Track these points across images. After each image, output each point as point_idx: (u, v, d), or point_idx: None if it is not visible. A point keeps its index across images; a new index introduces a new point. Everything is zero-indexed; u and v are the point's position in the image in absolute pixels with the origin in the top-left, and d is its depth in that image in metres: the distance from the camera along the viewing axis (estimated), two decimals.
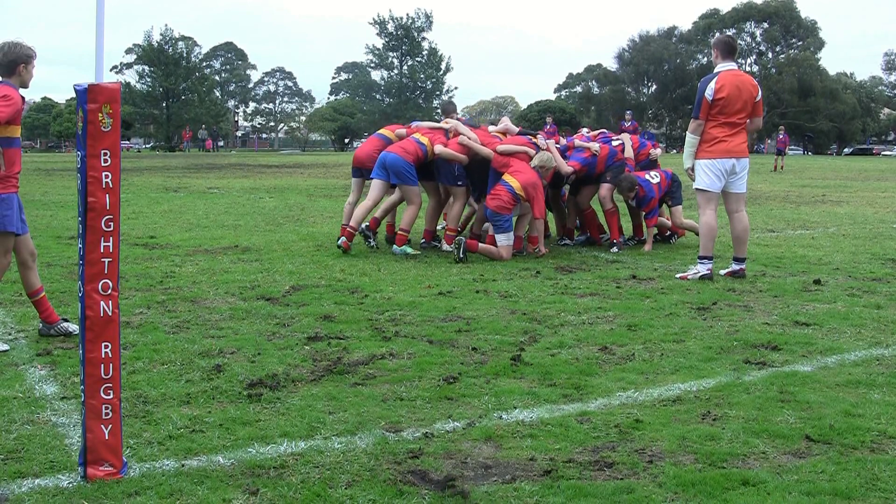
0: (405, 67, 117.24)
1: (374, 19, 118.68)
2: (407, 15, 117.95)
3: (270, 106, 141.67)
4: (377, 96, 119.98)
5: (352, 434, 5.28)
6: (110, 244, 4.56)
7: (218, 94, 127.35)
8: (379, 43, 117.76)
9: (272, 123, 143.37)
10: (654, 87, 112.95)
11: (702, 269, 10.71)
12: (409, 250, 12.72)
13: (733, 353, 7.21)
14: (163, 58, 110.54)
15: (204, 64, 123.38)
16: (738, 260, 10.90)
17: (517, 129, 13.62)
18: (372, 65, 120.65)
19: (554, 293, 9.71)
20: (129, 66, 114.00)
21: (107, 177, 4.53)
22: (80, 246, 4.56)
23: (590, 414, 5.66)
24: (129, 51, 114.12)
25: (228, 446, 5.08)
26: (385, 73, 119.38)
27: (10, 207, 7.34)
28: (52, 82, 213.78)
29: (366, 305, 9.01)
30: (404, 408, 5.78)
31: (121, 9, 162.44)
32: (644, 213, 13.61)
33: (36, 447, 5.08)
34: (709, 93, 10.50)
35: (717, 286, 10.19)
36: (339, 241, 12.82)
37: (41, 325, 7.85)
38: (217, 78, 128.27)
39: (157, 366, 6.72)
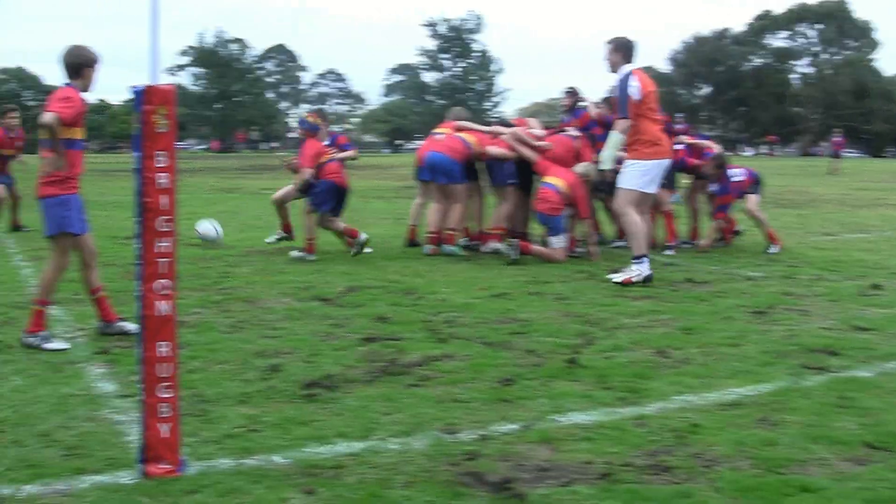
0: (457, 69, 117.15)
1: (426, 21, 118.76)
2: (459, 17, 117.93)
3: (323, 107, 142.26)
4: (429, 98, 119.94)
5: (408, 435, 5.27)
6: (167, 244, 4.59)
7: (271, 95, 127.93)
8: (431, 45, 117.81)
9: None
10: (707, 88, 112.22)
11: (643, 268, 10.47)
12: (459, 251, 12.70)
13: (791, 357, 7.12)
14: (216, 60, 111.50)
15: (257, 66, 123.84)
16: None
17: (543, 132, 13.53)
18: (424, 67, 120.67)
19: (609, 296, 9.65)
20: (182, 67, 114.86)
21: (162, 178, 4.56)
22: (138, 246, 4.59)
23: (646, 417, 5.61)
24: (183, 53, 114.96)
25: (285, 446, 5.09)
26: (437, 75, 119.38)
27: (69, 208, 7.42)
28: (107, 83, 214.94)
29: (420, 307, 9.01)
30: (460, 409, 5.76)
31: (175, 11, 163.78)
32: (715, 206, 13.48)
33: (96, 444, 5.12)
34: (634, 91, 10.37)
35: (773, 290, 10.08)
36: (427, 250, 12.93)
37: (100, 323, 7.93)
38: (270, 80, 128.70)
39: (214, 365, 6.76)
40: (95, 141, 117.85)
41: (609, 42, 10.68)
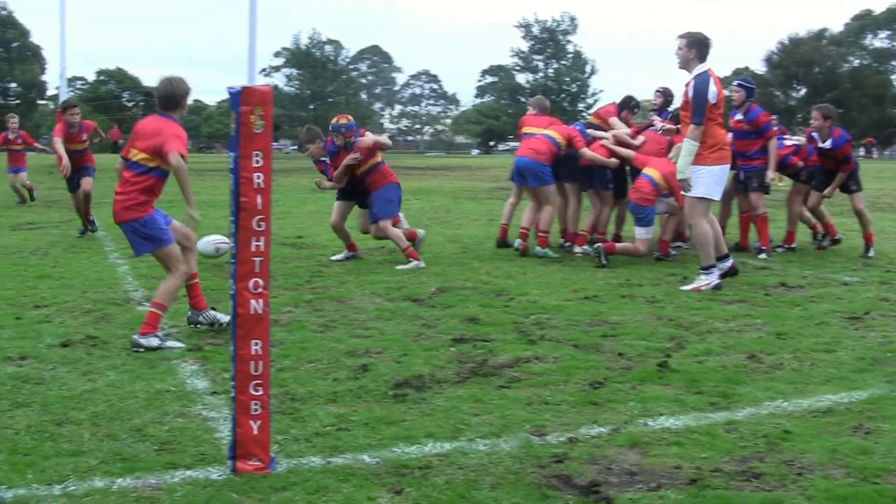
0: (550, 70, 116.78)
1: (519, 23, 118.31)
2: (552, 18, 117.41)
3: (416, 109, 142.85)
4: (522, 99, 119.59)
5: (496, 436, 5.27)
6: (261, 243, 4.65)
7: (364, 96, 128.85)
8: (524, 46, 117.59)
9: (417, 126, 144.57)
10: (804, 90, 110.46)
11: (712, 278, 10.27)
12: (551, 252, 12.66)
13: (887, 364, 6.98)
14: (310, 61, 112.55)
15: (351, 67, 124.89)
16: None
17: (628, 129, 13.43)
18: (517, 68, 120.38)
19: (701, 299, 9.55)
20: (277, 69, 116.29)
21: (258, 177, 4.61)
22: (233, 245, 4.65)
23: (737, 423, 5.55)
24: (277, 54, 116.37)
25: (374, 445, 5.12)
26: (530, 77, 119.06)
27: (155, 223, 7.67)
28: (202, 84, 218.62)
29: (511, 308, 9.00)
30: (549, 412, 5.75)
31: (270, 13, 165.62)
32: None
33: (187, 440, 5.20)
34: (711, 95, 9.99)
35: (870, 295, 9.90)
36: (517, 243, 12.92)
37: (190, 312, 8.11)
38: (363, 81, 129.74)
39: (305, 364, 6.82)
40: (191, 141, 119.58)
41: (682, 37, 10.28)
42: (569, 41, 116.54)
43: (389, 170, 12.26)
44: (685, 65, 10.22)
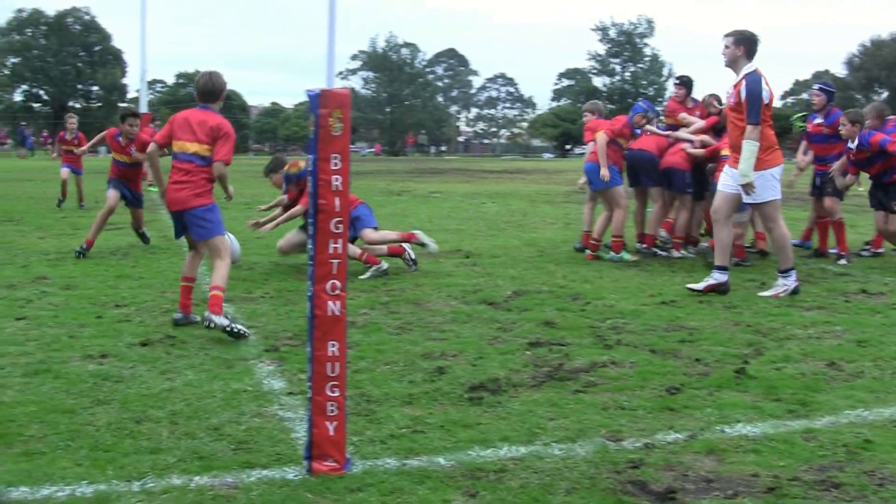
0: (627, 73, 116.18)
1: (595, 26, 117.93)
2: (629, 21, 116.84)
3: (492, 112, 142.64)
4: (599, 102, 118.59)
5: (572, 441, 5.26)
6: (339, 246, 4.68)
7: (440, 99, 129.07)
8: (601, 49, 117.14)
9: (494, 129, 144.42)
10: (886, 93, 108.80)
11: (789, 282, 10.09)
12: (627, 256, 12.59)
13: None
14: (387, 64, 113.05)
15: (427, 70, 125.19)
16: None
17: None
18: (594, 71, 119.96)
19: (779, 305, 9.44)
20: (354, 72, 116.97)
21: (336, 180, 4.64)
22: (310, 247, 4.68)
23: (816, 431, 5.47)
24: (354, 57, 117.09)
25: (449, 448, 5.12)
26: (607, 80, 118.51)
27: (218, 211, 8.42)
28: (279, 87, 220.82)
29: (587, 312, 8.96)
30: (625, 417, 5.72)
31: (347, 16, 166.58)
32: None
33: (264, 439, 5.24)
34: (765, 94, 9.77)
35: None
36: (618, 257, 12.85)
37: (179, 314, 8.45)
38: (440, 84, 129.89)
39: (381, 366, 6.85)
40: (267, 143, 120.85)
41: (728, 35, 10.08)
42: (646, 44, 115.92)
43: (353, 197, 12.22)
44: (732, 64, 10.04)
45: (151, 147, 8.70)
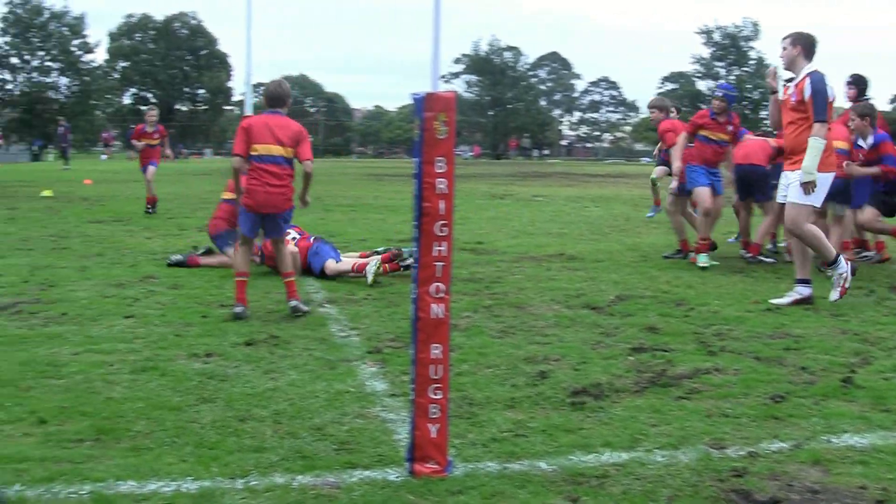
0: (732, 77, 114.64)
1: (699, 29, 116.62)
2: (733, 24, 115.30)
3: (595, 115, 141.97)
4: (703, 106, 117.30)
5: (675, 448, 5.21)
6: (443, 248, 4.68)
7: (543, 103, 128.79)
8: (705, 52, 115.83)
9: (596, 133, 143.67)
10: None
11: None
12: (708, 260, 12.38)
13: None
14: (490, 67, 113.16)
15: (530, 73, 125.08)
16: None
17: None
18: (698, 75, 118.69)
19: (889, 314, 9.24)
20: (456, 75, 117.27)
21: (441, 183, 4.65)
22: (415, 249, 4.70)
23: None
24: (457, 60, 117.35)
25: (551, 452, 5.11)
26: (711, 83, 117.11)
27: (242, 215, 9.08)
28: (383, 91, 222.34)
29: (691, 318, 8.87)
30: (729, 424, 5.64)
31: (450, 20, 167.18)
32: None
33: (366, 440, 5.28)
34: (830, 92, 9.49)
35: None
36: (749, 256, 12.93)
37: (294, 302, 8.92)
38: (543, 87, 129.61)
39: (483, 369, 6.85)
40: (370, 146, 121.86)
41: (787, 37, 9.86)
42: (751, 47, 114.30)
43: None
44: (791, 65, 9.82)
45: (236, 160, 8.97)
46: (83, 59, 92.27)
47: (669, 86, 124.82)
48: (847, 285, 9.68)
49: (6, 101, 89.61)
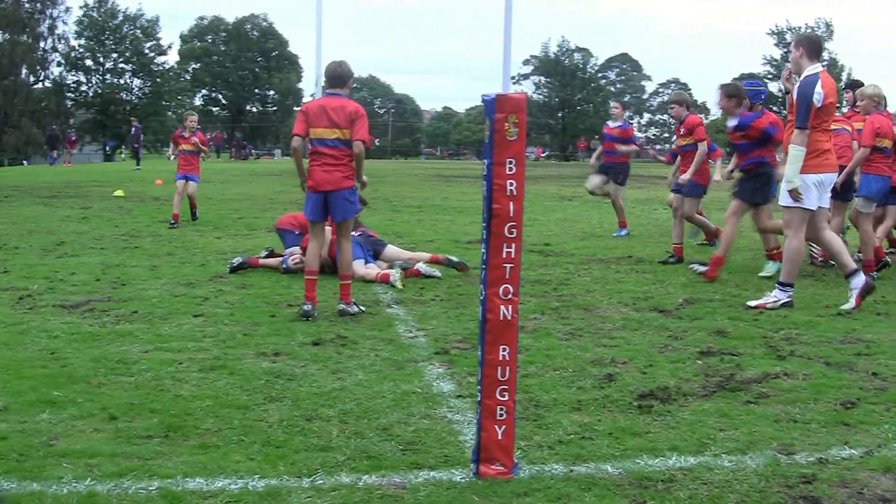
0: None
1: (771, 30, 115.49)
2: (805, 24, 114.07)
3: (664, 117, 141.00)
4: (774, 108, 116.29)
5: (742, 453, 5.17)
6: (512, 250, 4.69)
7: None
8: (777, 54, 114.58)
9: (666, 135, 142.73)
10: None
11: (783, 296, 9.60)
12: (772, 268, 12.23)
13: None
14: (559, 69, 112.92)
15: (599, 75, 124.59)
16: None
17: None
18: (769, 76, 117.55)
19: None
20: (526, 76, 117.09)
21: (511, 185, 4.65)
22: (484, 251, 4.71)
23: None
24: (526, 62, 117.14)
25: (617, 455, 5.09)
26: (782, 85, 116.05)
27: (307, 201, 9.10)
28: (452, 92, 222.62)
29: (761, 322, 8.79)
30: (798, 430, 5.59)
31: (519, 21, 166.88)
32: None
33: (432, 441, 5.30)
34: (818, 98, 9.18)
35: None
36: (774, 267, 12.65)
37: (341, 305, 8.99)
38: (612, 89, 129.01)
39: (550, 371, 6.85)
40: (440, 147, 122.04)
41: (793, 39, 9.79)
42: (824, 48, 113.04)
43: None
44: (796, 67, 9.69)
45: (296, 141, 9.03)
46: (155, 60, 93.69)
47: None
48: (770, 307, 9.56)
49: (81, 102, 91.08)
